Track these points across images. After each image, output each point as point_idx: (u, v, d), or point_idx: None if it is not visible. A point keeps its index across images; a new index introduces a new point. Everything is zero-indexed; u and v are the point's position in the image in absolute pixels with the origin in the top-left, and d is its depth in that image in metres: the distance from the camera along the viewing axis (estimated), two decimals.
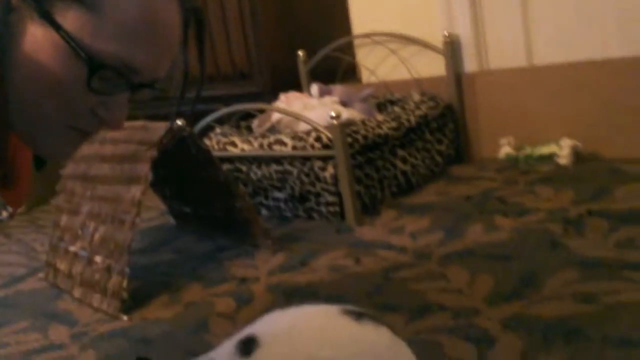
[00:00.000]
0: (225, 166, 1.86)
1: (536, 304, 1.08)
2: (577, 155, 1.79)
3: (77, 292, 1.49)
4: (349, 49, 2.32)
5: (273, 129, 1.96)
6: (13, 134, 0.72)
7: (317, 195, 1.72)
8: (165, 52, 0.70)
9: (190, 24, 0.74)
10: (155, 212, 2.07)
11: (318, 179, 1.69)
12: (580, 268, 1.17)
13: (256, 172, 1.81)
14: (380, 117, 1.83)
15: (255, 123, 2.05)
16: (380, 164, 1.77)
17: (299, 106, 1.97)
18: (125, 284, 1.36)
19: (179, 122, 1.62)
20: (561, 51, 1.87)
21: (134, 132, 1.54)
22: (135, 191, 1.42)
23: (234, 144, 1.85)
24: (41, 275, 1.68)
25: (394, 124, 1.80)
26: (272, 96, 2.26)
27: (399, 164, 1.82)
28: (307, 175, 1.70)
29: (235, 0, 2.42)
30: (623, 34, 1.74)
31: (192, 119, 1.76)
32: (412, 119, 1.86)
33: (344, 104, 2.01)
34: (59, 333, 1.33)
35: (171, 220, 1.96)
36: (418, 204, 1.72)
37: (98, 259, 1.45)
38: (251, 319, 1.21)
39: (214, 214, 1.71)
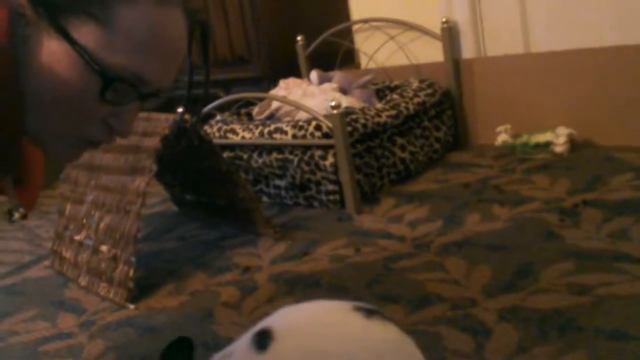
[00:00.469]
0: (226, 154, 1.89)
1: (532, 295, 1.12)
2: (573, 143, 1.81)
3: (83, 281, 1.52)
4: (347, 34, 2.33)
5: (273, 117, 1.98)
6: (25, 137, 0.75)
7: (318, 183, 1.75)
8: (173, 62, 0.73)
9: (195, 34, 0.77)
10: (157, 198, 2.10)
11: (318, 167, 1.72)
12: (575, 259, 1.21)
13: (257, 160, 1.84)
14: (379, 105, 1.85)
15: (255, 110, 2.07)
16: (380, 152, 1.79)
17: (299, 93, 1.99)
18: (131, 273, 1.39)
19: (180, 111, 1.64)
20: (558, 38, 1.88)
21: (136, 123, 1.56)
22: (140, 182, 1.45)
23: (234, 132, 1.87)
24: (47, 263, 1.71)
25: (392, 112, 1.82)
26: (272, 81, 2.28)
27: (398, 151, 1.84)
28: (308, 163, 1.73)
29: None
30: (620, 22, 1.76)
31: (193, 110, 1.77)
32: (411, 106, 1.88)
33: (343, 90, 2.03)
34: (67, 321, 1.37)
35: (173, 207, 1.99)
36: (417, 191, 1.75)
37: (104, 248, 1.48)
38: (255, 309, 1.25)
39: (217, 202, 1.74)
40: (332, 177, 1.71)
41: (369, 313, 0.77)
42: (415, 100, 1.91)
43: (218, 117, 2.03)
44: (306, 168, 1.74)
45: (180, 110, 1.63)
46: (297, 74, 2.31)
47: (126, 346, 1.22)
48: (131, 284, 1.39)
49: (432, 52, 2.11)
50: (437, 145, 1.99)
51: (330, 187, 1.72)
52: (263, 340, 0.75)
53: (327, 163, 1.69)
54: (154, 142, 1.45)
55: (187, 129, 1.51)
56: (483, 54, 2.05)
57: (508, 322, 1.05)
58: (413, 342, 0.76)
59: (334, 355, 0.73)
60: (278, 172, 1.82)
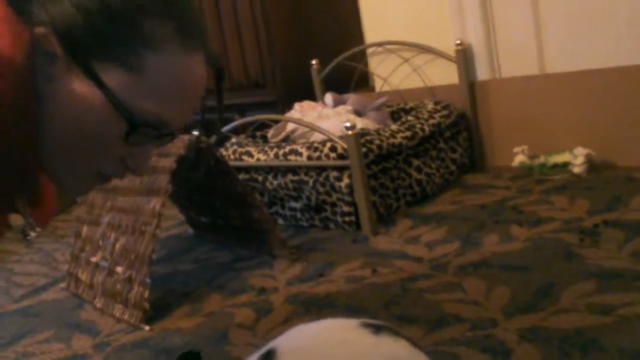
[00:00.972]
0: (241, 176, 1.89)
1: (553, 315, 1.10)
2: (591, 164, 1.80)
3: (98, 302, 1.52)
4: (361, 58, 2.34)
5: (288, 139, 1.99)
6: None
7: (333, 205, 1.74)
8: (193, 106, 0.75)
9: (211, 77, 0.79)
10: (173, 221, 2.10)
11: (334, 188, 1.71)
12: (596, 279, 1.19)
13: (272, 182, 1.84)
14: (394, 127, 1.85)
15: (270, 133, 2.07)
16: (395, 173, 1.79)
17: (314, 115, 1.99)
18: (146, 294, 1.38)
19: (195, 133, 1.65)
20: (573, 59, 1.88)
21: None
22: (155, 203, 1.45)
23: (249, 154, 1.87)
24: (63, 285, 1.71)
25: (408, 134, 1.82)
26: (286, 105, 2.29)
27: (414, 173, 1.83)
28: (323, 185, 1.73)
29: (249, 9, 2.45)
30: (636, 41, 1.75)
31: (207, 130, 1.78)
32: (426, 127, 1.88)
33: (358, 113, 2.03)
34: (82, 343, 1.36)
35: (189, 230, 1.99)
36: (433, 213, 1.74)
37: (119, 269, 1.47)
38: (271, 330, 1.24)
39: (232, 223, 1.74)
40: (347, 198, 1.70)
41: (378, 329, 0.75)
42: (431, 121, 1.91)
43: (233, 140, 2.04)
44: (321, 189, 1.73)
45: (195, 132, 1.64)
46: (312, 98, 2.32)
47: None
48: (146, 305, 1.38)
49: (446, 75, 2.11)
50: (453, 167, 1.98)
51: (346, 208, 1.72)
52: None
53: (343, 184, 1.69)
54: (169, 163, 1.46)
55: (203, 150, 1.52)
56: (498, 75, 2.04)
57: (529, 343, 1.03)
58: (426, 357, 0.75)
59: None
60: (293, 194, 1.82)
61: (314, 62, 2.36)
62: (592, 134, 1.84)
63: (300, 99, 2.19)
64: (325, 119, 1.96)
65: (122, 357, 1.26)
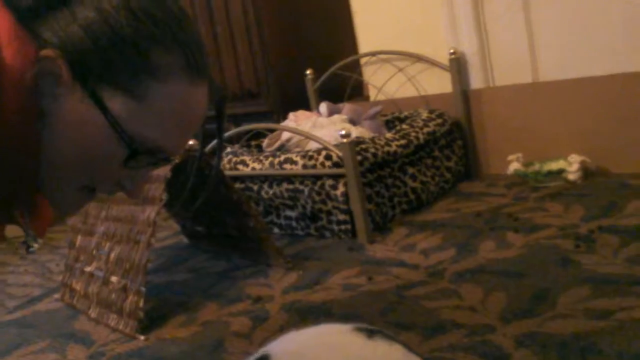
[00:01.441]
0: (236, 185, 1.89)
1: (550, 320, 1.09)
2: (586, 171, 1.80)
3: (93, 312, 1.51)
4: (356, 67, 2.35)
5: (283, 148, 1.99)
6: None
7: (329, 213, 1.74)
8: (191, 134, 0.76)
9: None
10: (168, 231, 2.10)
11: (329, 197, 1.71)
12: (593, 284, 1.19)
13: (267, 191, 1.84)
14: (389, 135, 1.85)
15: (265, 142, 2.07)
16: (390, 181, 1.79)
17: (308, 125, 2.00)
18: (141, 303, 1.37)
19: (191, 142, 1.65)
20: (567, 67, 1.89)
21: None
22: (150, 211, 1.44)
23: (244, 163, 1.87)
24: (57, 295, 1.70)
25: (403, 142, 1.82)
26: (281, 115, 2.30)
27: (409, 181, 1.84)
28: (318, 193, 1.72)
29: (243, 19, 2.46)
30: (629, 49, 1.77)
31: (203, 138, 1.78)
32: (421, 136, 1.88)
33: (353, 122, 2.03)
34: (76, 353, 1.35)
35: (184, 240, 1.98)
36: (429, 220, 1.74)
37: (114, 278, 1.47)
38: (267, 338, 1.23)
39: (227, 233, 1.73)
40: (343, 206, 1.70)
41: (371, 333, 0.75)
42: (425, 129, 1.91)
43: (228, 149, 2.04)
44: (317, 198, 1.73)
45: (192, 142, 1.64)
46: (307, 108, 2.33)
47: None
48: (141, 315, 1.37)
49: (440, 83, 2.12)
50: (448, 175, 1.98)
51: (342, 216, 1.71)
52: None
53: (338, 192, 1.69)
54: (164, 172, 1.45)
55: (197, 159, 1.51)
56: (492, 84, 2.05)
57: (526, 348, 1.02)
58: None
59: None
60: (289, 202, 1.81)
61: (308, 71, 2.37)
62: (587, 141, 1.85)
63: (295, 108, 2.19)
64: (320, 128, 1.96)
65: None
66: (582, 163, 1.79)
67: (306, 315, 1.31)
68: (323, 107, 2.12)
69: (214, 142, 1.92)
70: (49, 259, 2.10)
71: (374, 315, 1.25)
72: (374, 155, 1.73)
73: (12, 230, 0.80)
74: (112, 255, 1.50)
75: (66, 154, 0.69)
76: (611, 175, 1.81)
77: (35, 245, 0.80)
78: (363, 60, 2.33)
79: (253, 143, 2.16)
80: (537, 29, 1.93)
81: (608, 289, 1.16)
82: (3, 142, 0.65)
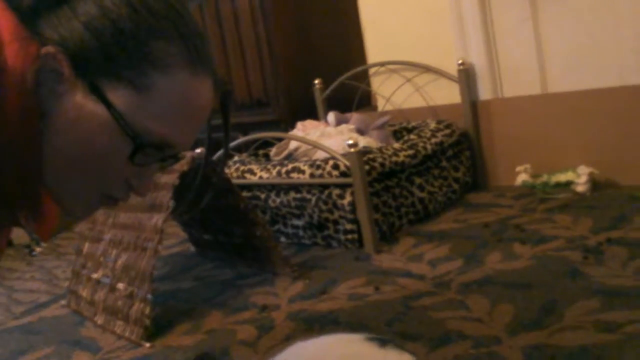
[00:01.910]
0: (244, 194, 1.89)
1: (557, 332, 1.09)
2: (594, 183, 1.79)
3: (99, 319, 1.51)
4: (364, 77, 2.35)
5: (290, 157, 1.99)
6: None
7: (335, 222, 1.74)
8: (198, 129, 0.75)
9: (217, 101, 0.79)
10: (175, 239, 2.10)
11: (336, 206, 1.71)
12: (601, 297, 1.18)
13: (274, 200, 1.84)
14: (397, 145, 1.85)
15: (273, 151, 2.07)
16: (398, 191, 1.78)
17: (316, 134, 2.00)
18: (148, 311, 1.37)
19: (198, 151, 1.65)
20: (576, 78, 1.88)
21: None
22: (158, 219, 1.44)
23: (252, 172, 1.87)
24: (63, 302, 1.70)
25: (410, 152, 1.82)
26: (289, 124, 2.30)
27: (416, 191, 1.83)
28: (325, 203, 1.72)
29: (252, 29, 2.47)
30: (638, 61, 1.76)
31: (212, 148, 1.79)
32: (429, 146, 1.88)
33: (361, 132, 2.03)
34: None
35: (191, 248, 1.98)
36: (436, 231, 1.73)
37: (120, 285, 1.47)
38: (272, 347, 1.23)
39: (234, 241, 1.73)
40: (350, 216, 1.69)
41: (383, 342, 0.75)
42: (433, 140, 1.91)
43: (236, 158, 2.04)
44: (324, 207, 1.73)
45: (199, 150, 1.65)
46: (315, 117, 2.33)
47: None
48: (147, 322, 1.37)
49: (449, 94, 2.12)
50: (455, 186, 1.98)
51: (348, 226, 1.71)
52: None
53: (345, 202, 1.68)
54: (172, 179, 1.46)
55: (205, 166, 1.52)
56: (500, 95, 2.05)
57: None
58: None
59: None
60: (296, 211, 1.81)
61: (316, 81, 2.37)
62: (595, 152, 1.84)
63: (303, 118, 2.20)
64: (327, 138, 1.96)
65: None
66: (591, 175, 1.78)
67: (312, 324, 1.30)
68: (331, 116, 2.12)
69: (221, 151, 1.93)
70: (56, 265, 2.10)
71: (381, 326, 1.24)
72: (382, 165, 1.73)
73: (24, 237, 0.81)
74: (119, 262, 1.50)
75: (71, 152, 0.68)
76: (620, 187, 1.79)
77: (38, 249, 0.80)
78: (371, 71, 2.33)
79: (261, 152, 2.17)
80: (546, 40, 1.93)
81: (617, 301, 1.15)
82: (5, 142, 0.65)
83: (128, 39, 0.66)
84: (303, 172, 1.75)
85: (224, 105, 0.81)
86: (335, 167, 1.69)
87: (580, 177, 1.78)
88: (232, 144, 1.93)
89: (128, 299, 1.43)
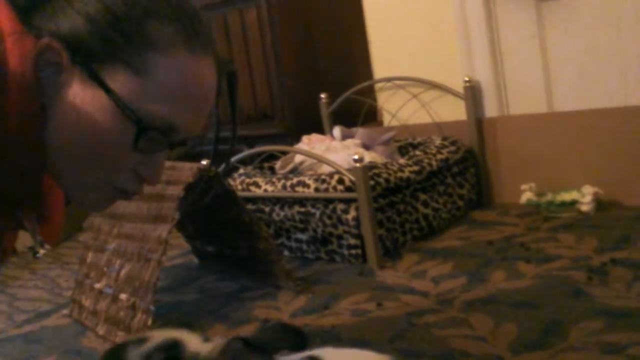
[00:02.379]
0: (248, 207, 1.89)
1: (561, 353, 1.08)
2: (599, 203, 1.79)
3: (101, 330, 1.50)
4: (370, 92, 2.36)
5: (295, 171, 1.99)
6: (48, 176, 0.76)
7: (339, 237, 1.74)
8: (203, 111, 0.74)
9: (223, 84, 0.79)
10: (178, 250, 2.10)
11: (340, 221, 1.71)
12: (605, 317, 1.17)
13: (279, 213, 1.84)
14: (402, 161, 1.85)
15: (278, 164, 2.08)
16: (402, 207, 1.78)
17: (322, 148, 2.00)
18: (149, 322, 1.37)
19: (204, 162, 1.66)
20: (582, 97, 1.89)
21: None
22: (162, 230, 1.45)
23: (257, 185, 1.88)
24: (66, 311, 1.70)
25: (415, 168, 1.82)
26: (295, 138, 2.30)
27: (421, 207, 1.83)
28: (330, 217, 1.72)
29: (260, 42, 2.48)
30: None
31: (217, 158, 1.79)
32: (434, 162, 1.88)
33: (366, 146, 2.04)
34: None
35: (194, 260, 1.98)
36: (440, 248, 1.73)
37: (123, 296, 1.47)
38: None
39: (238, 254, 1.73)
40: (354, 231, 1.69)
41: None
42: (438, 156, 1.91)
43: (241, 170, 2.05)
44: (328, 222, 1.73)
45: (205, 162, 1.65)
46: (320, 131, 2.33)
47: None
48: None
49: (454, 111, 2.13)
50: (460, 203, 1.98)
51: (352, 241, 1.71)
52: None
53: (350, 217, 1.68)
54: (177, 190, 1.46)
55: (211, 178, 1.52)
56: (506, 112, 2.05)
57: None
58: None
59: None
60: (300, 225, 1.81)
61: (323, 95, 2.38)
62: (600, 172, 1.84)
63: (309, 132, 2.20)
64: (333, 152, 1.97)
65: None
66: (596, 194, 1.77)
67: (314, 339, 1.30)
68: (337, 131, 2.12)
69: (226, 163, 1.93)
70: (59, 274, 2.10)
71: (383, 342, 1.23)
72: (387, 180, 1.73)
73: (22, 244, 0.81)
74: (122, 272, 1.50)
75: (76, 143, 0.68)
76: (624, 207, 1.79)
77: (42, 251, 0.80)
78: (378, 86, 2.34)
79: (266, 165, 2.17)
80: (553, 59, 1.93)
81: (621, 322, 1.14)
82: (6, 138, 0.64)
83: (123, 21, 0.66)
84: (308, 186, 1.75)
85: (230, 86, 0.80)
86: (340, 181, 1.69)
87: (584, 197, 1.78)
88: (238, 156, 1.94)
89: (130, 310, 1.43)
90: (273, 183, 1.84)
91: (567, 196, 1.81)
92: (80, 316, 1.62)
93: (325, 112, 2.38)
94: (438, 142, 2.02)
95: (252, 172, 2.02)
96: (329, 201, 1.72)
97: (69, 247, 2.34)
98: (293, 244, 1.87)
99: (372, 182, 1.68)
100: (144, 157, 0.72)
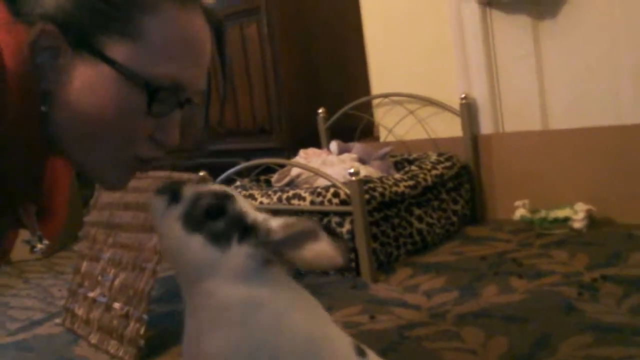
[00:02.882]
0: None
1: None
2: (592, 220, 1.80)
3: (93, 338, 1.51)
4: (367, 108, 2.38)
5: (292, 184, 2.00)
6: (56, 159, 0.76)
7: None
8: (203, 63, 0.75)
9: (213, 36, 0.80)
10: None
11: (335, 234, 1.72)
12: (595, 332, 1.18)
13: None
14: (397, 175, 1.87)
15: (274, 177, 2.09)
16: (397, 221, 1.79)
17: (318, 162, 2.02)
18: (142, 331, 1.37)
19: (201, 174, 1.67)
20: (577, 116, 1.90)
21: (157, 182, 1.58)
22: (157, 240, 1.45)
23: (253, 197, 1.89)
24: (58, 320, 1.70)
25: (411, 183, 1.83)
26: (292, 152, 2.32)
27: (415, 222, 1.84)
28: (324, 230, 1.73)
29: (259, 57, 2.51)
30: (638, 100, 1.78)
31: (214, 171, 1.81)
32: (429, 178, 1.89)
33: (362, 161, 2.05)
34: None
35: None
36: (433, 262, 1.74)
37: (117, 305, 1.47)
38: None
39: None
40: (348, 244, 1.70)
41: None
42: (434, 172, 1.93)
43: (238, 183, 2.06)
44: None
45: (202, 173, 1.67)
46: (317, 146, 2.35)
47: None
48: (141, 342, 1.37)
49: (450, 127, 2.14)
50: (454, 218, 1.99)
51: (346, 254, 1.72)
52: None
53: (344, 230, 1.69)
54: None
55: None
56: (501, 129, 2.07)
57: None
58: None
59: None
60: None
61: (320, 110, 2.40)
62: (593, 190, 1.85)
63: (306, 146, 2.22)
64: (329, 166, 1.98)
65: None
66: (588, 212, 1.79)
67: None
68: (333, 145, 2.14)
69: (225, 174, 1.94)
70: (52, 283, 2.10)
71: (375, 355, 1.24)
72: (382, 194, 1.74)
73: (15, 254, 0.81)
74: (117, 281, 1.51)
75: (88, 121, 0.68)
76: (617, 225, 1.80)
77: (40, 246, 0.80)
78: (375, 102, 2.36)
79: (262, 178, 2.18)
80: (548, 78, 1.95)
81: (610, 337, 1.15)
82: (8, 131, 0.64)
83: None
84: (304, 199, 1.76)
85: (218, 34, 0.80)
86: (336, 195, 1.70)
87: (577, 214, 1.79)
88: (235, 169, 1.95)
89: (123, 319, 1.43)
90: (269, 196, 1.85)
91: (560, 213, 1.82)
92: (72, 325, 1.62)
93: (322, 127, 2.40)
94: (433, 157, 2.03)
95: (248, 185, 2.03)
96: (324, 214, 1.73)
97: (63, 257, 2.35)
98: None
99: (367, 196, 1.69)
100: (159, 122, 0.73)
